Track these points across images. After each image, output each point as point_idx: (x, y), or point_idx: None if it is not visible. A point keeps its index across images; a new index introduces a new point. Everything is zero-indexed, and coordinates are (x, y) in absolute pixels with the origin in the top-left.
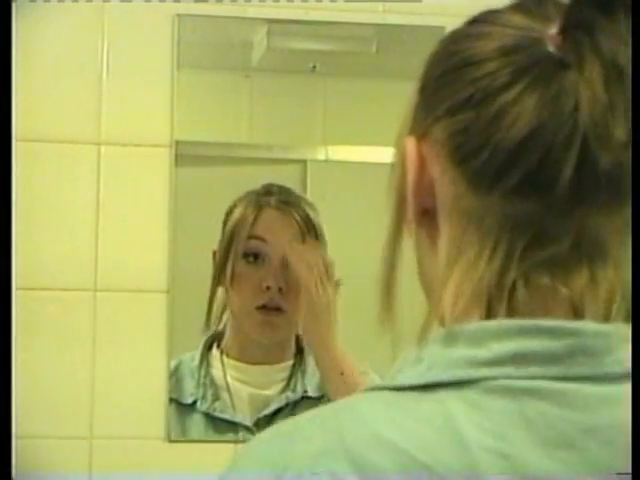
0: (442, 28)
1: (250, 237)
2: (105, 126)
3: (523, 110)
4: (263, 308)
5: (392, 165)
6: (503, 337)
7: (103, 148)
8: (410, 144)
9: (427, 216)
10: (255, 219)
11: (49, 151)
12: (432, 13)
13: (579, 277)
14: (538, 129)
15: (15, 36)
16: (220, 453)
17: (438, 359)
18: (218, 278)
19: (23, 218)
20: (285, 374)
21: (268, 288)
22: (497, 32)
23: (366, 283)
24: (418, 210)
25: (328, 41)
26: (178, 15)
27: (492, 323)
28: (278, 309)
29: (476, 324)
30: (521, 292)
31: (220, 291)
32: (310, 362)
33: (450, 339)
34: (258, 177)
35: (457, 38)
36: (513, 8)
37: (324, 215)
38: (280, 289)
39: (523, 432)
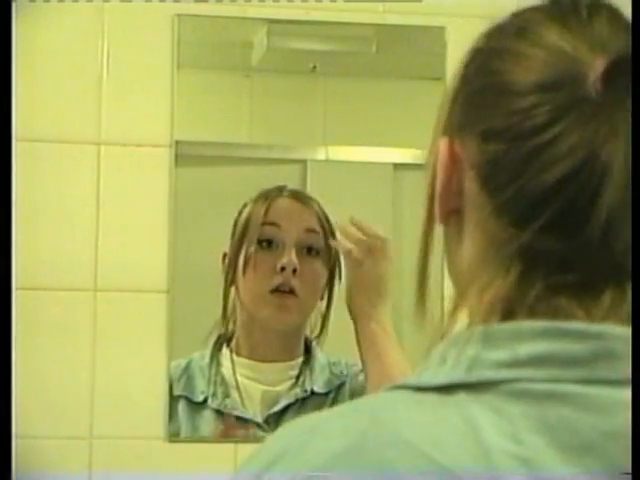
0: (442, 28)
1: (264, 224)
2: (105, 126)
3: (557, 154)
4: (277, 291)
5: (427, 159)
6: (526, 339)
7: (103, 148)
8: (443, 145)
9: (455, 215)
10: (268, 208)
11: (49, 151)
12: (432, 13)
13: (603, 300)
14: (570, 175)
15: (15, 36)
16: (221, 453)
17: (461, 360)
18: (232, 277)
19: (23, 218)
20: (295, 372)
21: (283, 269)
22: (540, 58)
23: None
24: (445, 210)
25: (328, 41)
26: (178, 15)
27: (515, 325)
28: (291, 292)
29: (499, 325)
30: (541, 312)
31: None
32: (318, 360)
33: (474, 340)
34: (258, 177)
35: (500, 51)
36: (559, 22)
37: None
38: (295, 270)
39: (543, 437)
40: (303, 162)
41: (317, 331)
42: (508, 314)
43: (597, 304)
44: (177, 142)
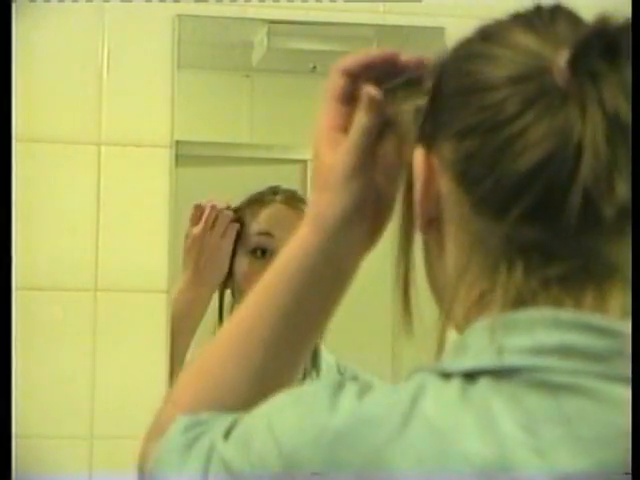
0: (442, 28)
1: (258, 234)
2: (105, 126)
3: (529, 142)
4: None
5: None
6: (547, 327)
7: (103, 148)
8: (419, 155)
9: (435, 225)
10: (261, 216)
11: (49, 151)
12: (432, 13)
13: (588, 294)
14: (543, 162)
15: (15, 36)
16: None
17: (485, 346)
18: (226, 281)
19: (23, 218)
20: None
21: None
22: (507, 57)
23: (365, 282)
24: (426, 219)
25: (328, 41)
26: (178, 15)
27: (536, 313)
28: None
29: (518, 313)
30: (542, 302)
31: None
32: (325, 359)
33: (495, 328)
34: (258, 177)
35: (470, 55)
36: (524, 25)
37: None
38: None
39: (560, 428)
40: (303, 162)
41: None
42: (518, 304)
43: (584, 294)
44: (177, 142)
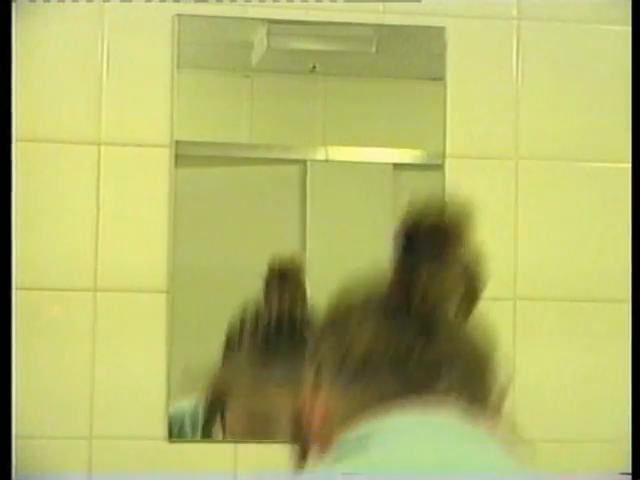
0: (442, 28)
1: None
2: (105, 126)
3: None
4: None
5: None
6: None
7: (103, 148)
8: None
9: None
10: None
11: (49, 151)
12: (432, 13)
13: None
14: None
15: (15, 36)
16: (221, 453)
17: None
18: None
19: (23, 218)
20: None
21: None
22: None
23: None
24: None
25: (328, 41)
26: (178, 15)
27: None
28: None
29: None
30: None
31: None
32: None
33: None
34: (258, 177)
35: None
36: None
37: (324, 215)
38: None
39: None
40: (303, 162)
41: None
42: None
43: None
44: (177, 142)
